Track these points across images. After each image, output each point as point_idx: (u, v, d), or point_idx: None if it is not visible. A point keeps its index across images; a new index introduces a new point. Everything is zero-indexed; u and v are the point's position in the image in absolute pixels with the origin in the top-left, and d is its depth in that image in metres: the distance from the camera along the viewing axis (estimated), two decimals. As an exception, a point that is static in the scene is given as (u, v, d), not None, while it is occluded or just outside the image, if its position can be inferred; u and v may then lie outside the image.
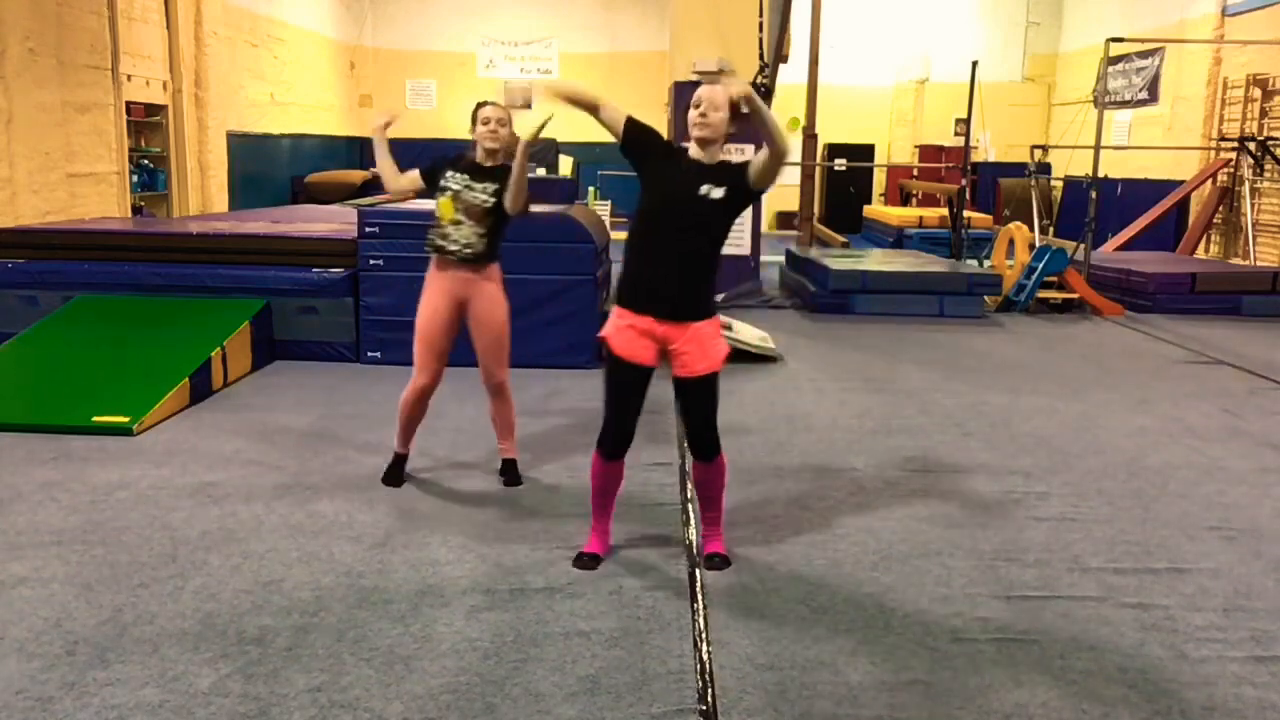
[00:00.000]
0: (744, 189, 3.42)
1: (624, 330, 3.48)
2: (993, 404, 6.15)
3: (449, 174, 4.29)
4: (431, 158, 4.42)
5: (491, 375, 4.44)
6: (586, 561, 3.64)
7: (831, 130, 17.38)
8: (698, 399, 3.54)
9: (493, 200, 4.23)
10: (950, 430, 5.55)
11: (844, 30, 17.49)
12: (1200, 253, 13.35)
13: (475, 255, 4.26)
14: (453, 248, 4.23)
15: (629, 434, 3.58)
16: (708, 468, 3.65)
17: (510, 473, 4.57)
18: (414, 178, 4.40)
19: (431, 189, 4.35)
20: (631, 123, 3.55)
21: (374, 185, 16.55)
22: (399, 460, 4.56)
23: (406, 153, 17.42)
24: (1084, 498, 4.49)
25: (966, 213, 12.21)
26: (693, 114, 3.42)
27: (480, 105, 4.34)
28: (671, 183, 3.44)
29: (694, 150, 3.48)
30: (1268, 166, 12.53)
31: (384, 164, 4.41)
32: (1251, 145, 12.58)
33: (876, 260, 10.65)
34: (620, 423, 3.56)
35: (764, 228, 14.84)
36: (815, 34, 12.65)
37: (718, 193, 3.38)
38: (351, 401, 5.91)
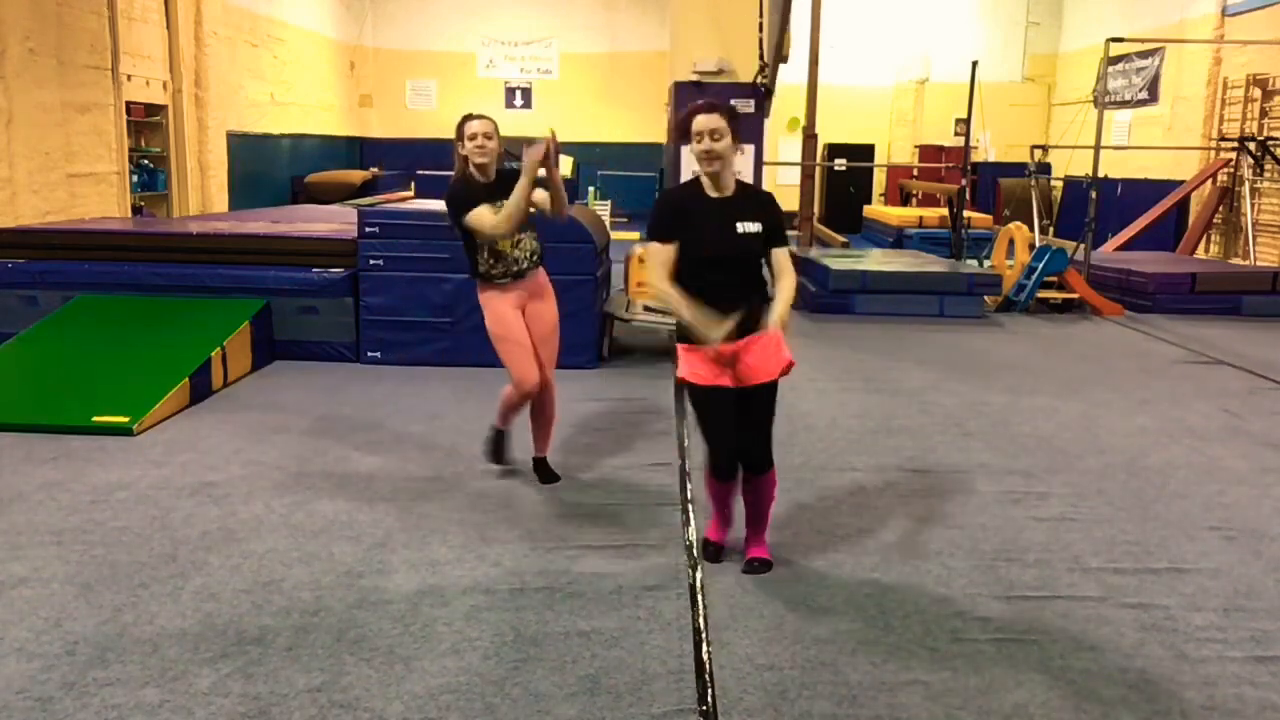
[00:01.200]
0: (774, 226, 3.50)
1: (698, 365, 3.48)
2: (993, 404, 6.15)
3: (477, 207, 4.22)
4: (451, 200, 4.25)
5: (541, 372, 4.45)
6: (713, 552, 3.73)
7: (831, 130, 17.36)
8: (753, 410, 3.53)
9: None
10: (950, 430, 5.55)
11: (844, 30, 17.48)
12: (1200, 253, 13.34)
13: (541, 256, 4.41)
14: (527, 265, 4.32)
15: (734, 452, 3.55)
16: (758, 480, 3.62)
17: (544, 471, 4.60)
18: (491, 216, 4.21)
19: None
20: (664, 230, 3.48)
21: (374, 185, 16.57)
22: (500, 436, 4.67)
23: (406, 153, 17.53)
24: (1084, 498, 4.49)
25: (966, 213, 12.21)
26: (697, 148, 3.39)
27: (466, 119, 4.29)
28: (707, 229, 3.43)
29: (706, 183, 3.47)
30: (1268, 166, 12.53)
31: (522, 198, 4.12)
32: (1251, 145, 12.57)
33: (876, 260, 10.65)
34: (724, 446, 3.54)
35: (764, 228, 14.80)
36: (815, 34, 12.64)
37: (754, 227, 3.44)
38: (351, 401, 5.91)
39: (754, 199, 3.54)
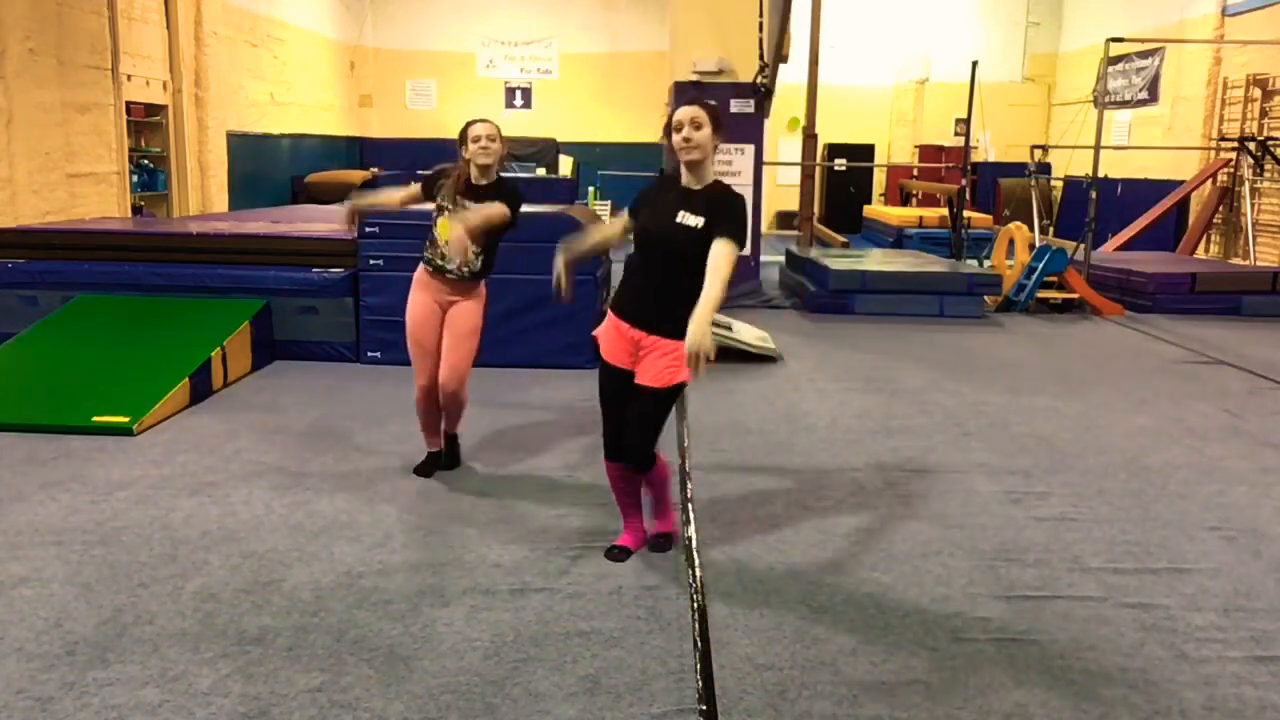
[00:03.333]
0: (720, 220, 3.35)
1: (608, 331, 3.57)
2: (993, 404, 6.15)
3: (445, 193, 4.39)
4: (433, 169, 4.50)
5: (445, 383, 4.41)
6: (617, 554, 3.71)
7: (831, 130, 17.37)
8: (636, 408, 3.52)
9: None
10: (950, 430, 5.55)
11: (844, 30, 17.49)
12: (1200, 253, 13.35)
13: (472, 274, 4.41)
14: (451, 267, 4.36)
15: (615, 435, 3.60)
16: (634, 474, 3.66)
17: (451, 449, 4.72)
18: (413, 189, 4.52)
19: (427, 199, 4.47)
20: (630, 205, 3.63)
21: (374, 185, 16.57)
22: (431, 456, 4.69)
23: (406, 153, 17.56)
24: (1084, 498, 4.49)
25: (966, 213, 12.21)
26: (676, 138, 3.39)
27: (470, 124, 4.39)
28: (656, 210, 3.49)
29: (684, 176, 3.48)
30: (1268, 166, 12.53)
31: (377, 202, 4.75)
32: (1251, 145, 12.57)
33: (876, 260, 10.65)
34: (609, 422, 3.61)
35: (764, 228, 14.83)
36: (815, 34, 12.64)
37: (693, 220, 3.37)
38: (351, 401, 5.91)
39: (711, 196, 3.41)
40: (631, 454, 3.57)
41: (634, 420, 3.52)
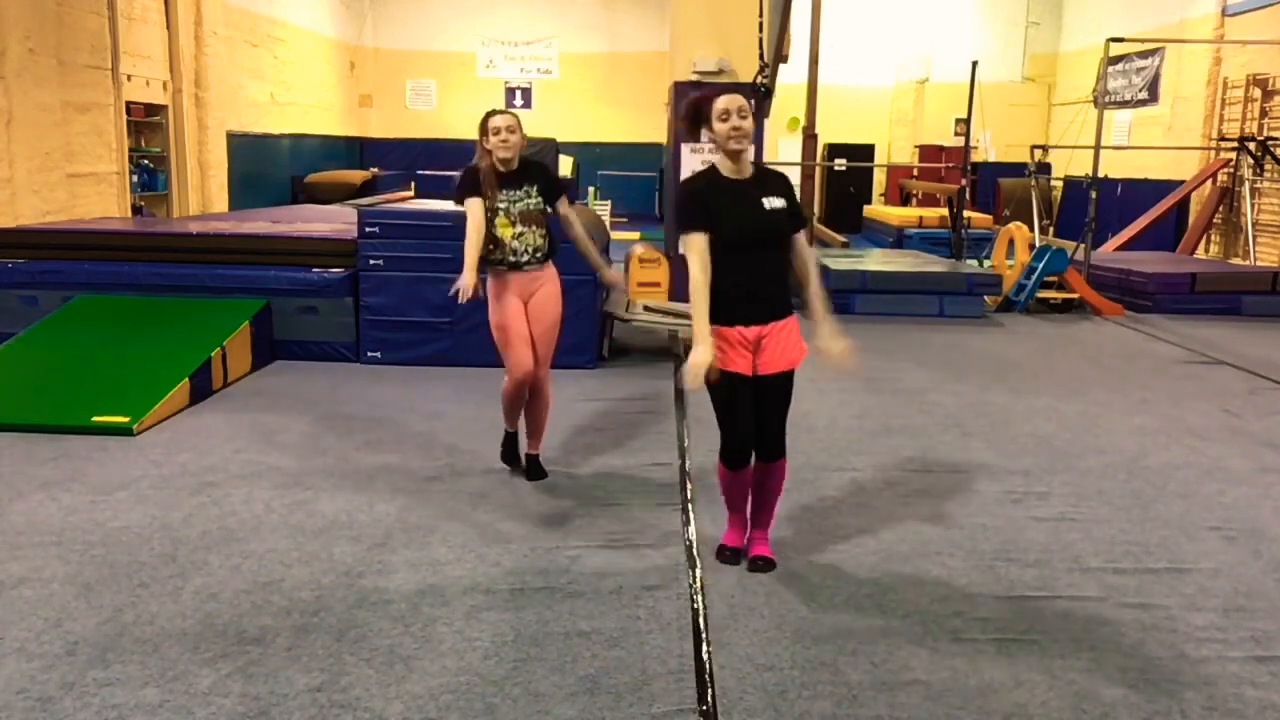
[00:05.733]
0: (795, 205, 3.57)
1: (723, 349, 3.46)
2: (993, 404, 6.15)
3: (490, 193, 4.34)
4: (458, 186, 4.39)
5: (544, 376, 4.50)
6: (729, 556, 3.70)
7: (831, 130, 17.36)
8: (772, 397, 3.56)
9: (541, 199, 4.42)
10: (950, 430, 5.55)
11: (844, 30, 17.48)
12: (1200, 253, 13.34)
13: (545, 255, 4.43)
14: (525, 259, 4.37)
15: (747, 438, 3.56)
16: (768, 468, 3.62)
17: (534, 468, 4.65)
18: (475, 216, 4.30)
19: (479, 200, 4.36)
20: (696, 219, 3.42)
21: (374, 185, 16.58)
22: (510, 438, 4.71)
23: (407, 153, 17.54)
24: (1084, 498, 4.49)
25: (966, 213, 12.21)
26: (723, 127, 3.40)
27: (489, 115, 4.41)
28: (736, 211, 3.43)
29: (726, 167, 3.48)
30: (1268, 166, 12.53)
31: (477, 253, 4.29)
32: (1251, 145, 12.57)
33: (876, 260, 10.65)
34: (738, 432, 3.54)
35: (764, 228, 14.72)
36: (815, 34, 12.64)
37: (778, 203, 3.47)
38: (351, 401, 5.91)
39: (772, 178, 3.56)
40: (779, 444, 3.59)
41: (777, 408, 3.56)
